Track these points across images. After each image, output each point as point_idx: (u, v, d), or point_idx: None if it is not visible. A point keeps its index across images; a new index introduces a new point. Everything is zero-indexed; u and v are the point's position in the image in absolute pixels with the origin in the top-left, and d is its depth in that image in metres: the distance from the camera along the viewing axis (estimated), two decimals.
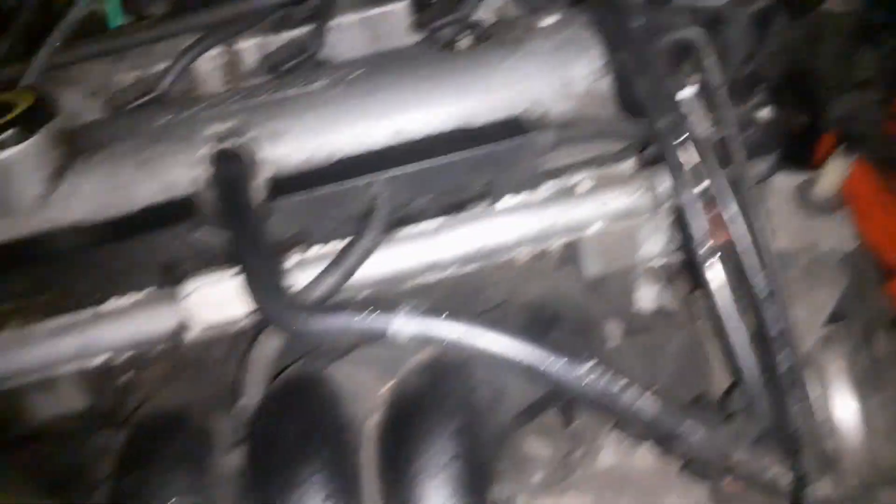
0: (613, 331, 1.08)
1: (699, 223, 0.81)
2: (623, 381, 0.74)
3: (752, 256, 0.80)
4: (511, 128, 0.96)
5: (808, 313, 0.99)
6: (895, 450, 0.90)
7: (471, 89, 1.00)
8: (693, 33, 0.91)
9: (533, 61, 1.01)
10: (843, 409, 0.93)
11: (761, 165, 1.07)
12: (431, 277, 0.98)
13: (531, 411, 0.86)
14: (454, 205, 0.97)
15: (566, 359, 0.73)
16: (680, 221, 0.91)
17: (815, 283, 1.01)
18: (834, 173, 0.96)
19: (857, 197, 1.46)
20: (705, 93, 0.98)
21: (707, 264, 0.80)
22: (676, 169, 0.84)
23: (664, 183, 0.92)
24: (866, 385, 0.92)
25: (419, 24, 1.19)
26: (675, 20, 0.97)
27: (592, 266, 1.00)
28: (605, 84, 1.04)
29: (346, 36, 1.26)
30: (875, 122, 1.12)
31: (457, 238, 0.94)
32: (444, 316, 0.75)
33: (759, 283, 0.78)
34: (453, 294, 1.01)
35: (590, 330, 0.96)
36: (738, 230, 0.81)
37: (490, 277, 1.03)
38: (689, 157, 0.88)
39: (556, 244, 0.99)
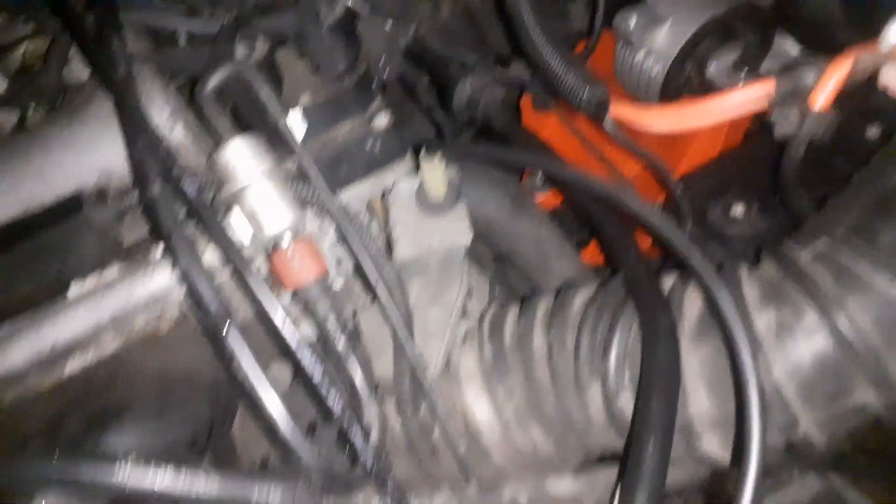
0: None
1: (206, 293, 0.75)
2: (167, 469, 0.70)
3: (272, 308, 0.76)
4: (72, 206, 0.91)
5: (442, 313, 0.99)
6: (526, 437, 0.90)
7: (30, 171, 0.93)
8: (239, 69, 0.87)
9: (96, 126, 0.95)
10: (478, 407, 0.93)
11: (392, 174, 1.06)
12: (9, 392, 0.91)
13: None
14: (21, 301, 0.90)
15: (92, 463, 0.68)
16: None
17: (446, 284, 1.01)
18: (430, 174, 0.94)
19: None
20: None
21: (224, 334, 0.73)
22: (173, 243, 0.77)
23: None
24: (494, 377, 0.92)
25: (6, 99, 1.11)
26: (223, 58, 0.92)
27: None
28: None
29: None
30: (498, 104, 1.11)
31: (26, 343, 0.87)
32: None
33: (288, 336, 0.74)
34: (86, 387, 0.94)
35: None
36: (252, 290, 0.76)
37: (130, 355, 0.97)
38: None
39: (143, 322, 0.93)
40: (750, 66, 1.35)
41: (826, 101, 0.78)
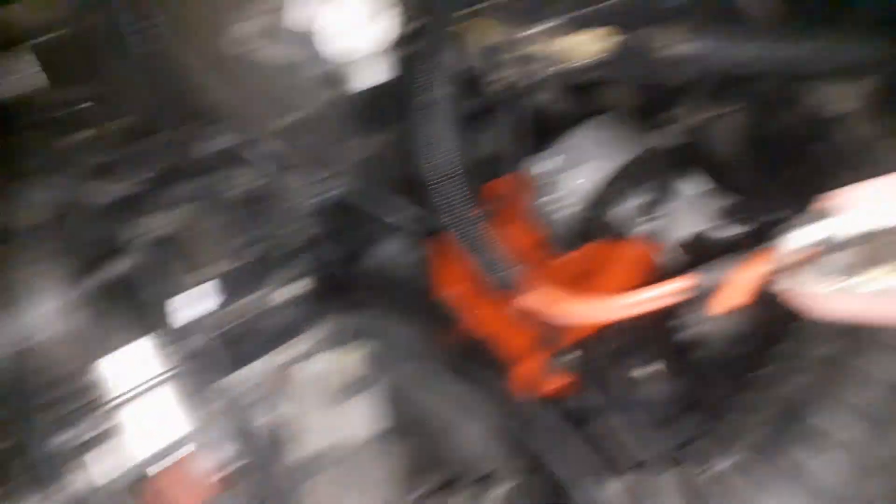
0: None
1: None
2: None
3: None
4: None
5: None
6: None
7: None
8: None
9: None
10: None
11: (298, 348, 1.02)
12: None
13: None
14: None
15: None
16: None
17: (357, 476, 0.96)
18: (341, 359, 0.91)
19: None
20: None
21: None
22: None
23: None
24: None
25: None
26: None
27: None
28: None
29: None
30: (413, 270, 1.09)
31: None
32: None
33: None
34: None
35: None
36: None
37: None
38: None
39: None
40: (658, 206, 1.40)
41: (736, 301, 0.80)
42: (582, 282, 1.47)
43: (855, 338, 0.80)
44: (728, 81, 1.25)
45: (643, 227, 1.35)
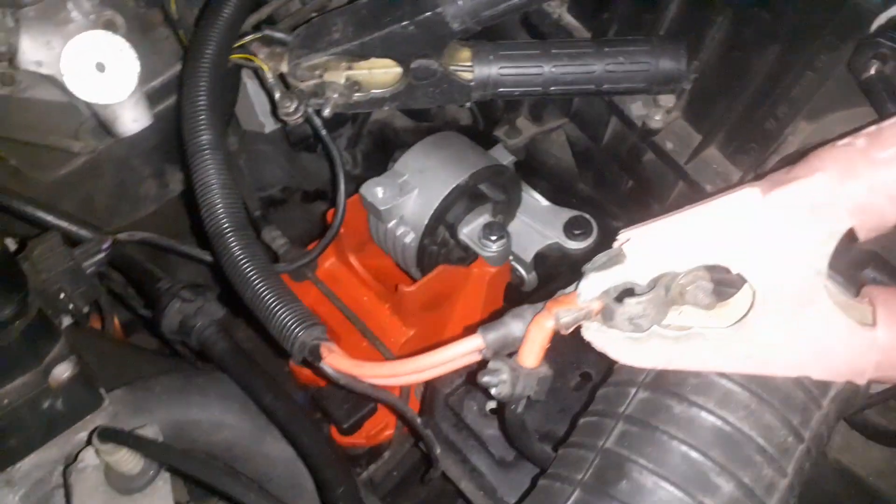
0: None
1: None
2: None
3: None
4: None
5: None
6: None
7: None
8: None
9: None
10: None
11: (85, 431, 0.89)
12: None
13: None
14: None
15: None
16: None
17: None
18: (114, 456, 0.80)
19: None
20: None
21: None
22: None
23: None
24: None
25: None
26: None
27: None
28: None
29: None
30: (216, 328, 0.98)
31: None
32: None
33: None
34: None
35: None
36: None
37: None
38: None
39: None
40: (502, 223, 1.33)
41: (534, 358, 0.74)
42: (435, 307, 1.39)
43: (667, 383, 0.74)
44: (546, 99, 1.19)
45: (490, 246, 1.27)
